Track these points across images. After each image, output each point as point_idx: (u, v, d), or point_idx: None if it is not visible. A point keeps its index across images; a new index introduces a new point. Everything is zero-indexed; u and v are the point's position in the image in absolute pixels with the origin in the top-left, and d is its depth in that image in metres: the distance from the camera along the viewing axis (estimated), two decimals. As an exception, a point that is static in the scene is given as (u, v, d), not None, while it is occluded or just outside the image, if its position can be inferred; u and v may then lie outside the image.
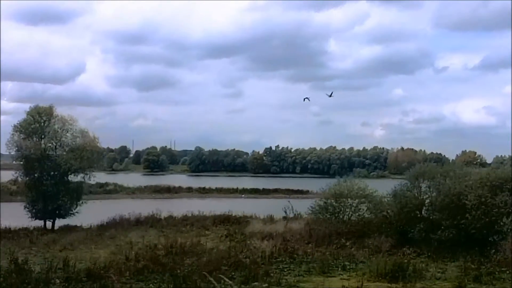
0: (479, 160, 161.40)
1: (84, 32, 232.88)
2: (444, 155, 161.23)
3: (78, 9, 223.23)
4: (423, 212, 26.46)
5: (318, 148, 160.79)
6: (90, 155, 36.20)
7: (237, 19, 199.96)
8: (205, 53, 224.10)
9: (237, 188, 78.38)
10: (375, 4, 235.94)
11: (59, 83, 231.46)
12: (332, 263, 20.92)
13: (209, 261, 19.52)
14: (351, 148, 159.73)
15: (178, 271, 17.14)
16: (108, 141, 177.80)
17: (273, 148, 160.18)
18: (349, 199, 28.96)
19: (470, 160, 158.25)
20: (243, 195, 71.87)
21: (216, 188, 77.61)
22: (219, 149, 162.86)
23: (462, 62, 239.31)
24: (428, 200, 26.53)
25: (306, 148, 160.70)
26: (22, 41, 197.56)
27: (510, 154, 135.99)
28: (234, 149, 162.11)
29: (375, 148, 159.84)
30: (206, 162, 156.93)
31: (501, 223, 22.72)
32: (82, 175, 36.81)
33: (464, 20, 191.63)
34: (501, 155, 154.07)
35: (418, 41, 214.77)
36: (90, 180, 38.16)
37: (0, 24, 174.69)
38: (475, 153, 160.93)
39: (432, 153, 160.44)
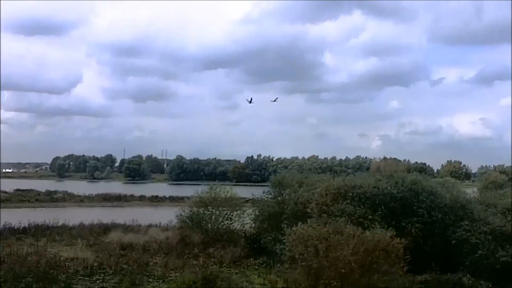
0: (464, 170, 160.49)
1: (79, 44, 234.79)
2: (429, 165, 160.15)
3: (73, 21, 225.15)
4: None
5: (300, 158, 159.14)
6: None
7: (232, 32, 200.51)
8: (200, 65, 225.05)
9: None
10: (370, 17, 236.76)
11: (56, 93, 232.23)
12: (150, 274, 20.67)
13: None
14: (333, 158, 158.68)
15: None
16: (104, 152, 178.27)
17: (255, 157, 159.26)
18: (220, 207, 28.12)
19: (454, 170, 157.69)
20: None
21: (169, 196, 76.72)
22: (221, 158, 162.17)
23: (457, 75, 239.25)
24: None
25: (288, 157, 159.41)
26: (19, 51, 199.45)
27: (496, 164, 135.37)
28: (215, 158, 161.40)
29: (357, 157, 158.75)
30: (187, 171, 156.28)
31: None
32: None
33: (458, 34, 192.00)
34: (485, 165, 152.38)
35: (413, 54, 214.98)
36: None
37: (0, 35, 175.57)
38: (460, 163, 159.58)
39: (416, 162, 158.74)
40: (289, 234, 16.56)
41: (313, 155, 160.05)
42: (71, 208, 65.88)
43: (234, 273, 21.71)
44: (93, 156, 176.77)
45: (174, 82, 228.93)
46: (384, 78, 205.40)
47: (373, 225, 21.40)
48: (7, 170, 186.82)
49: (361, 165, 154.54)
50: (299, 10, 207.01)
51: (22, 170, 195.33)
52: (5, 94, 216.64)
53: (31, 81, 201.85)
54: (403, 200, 22.69)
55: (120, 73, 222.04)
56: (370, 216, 21.69)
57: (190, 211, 27.83)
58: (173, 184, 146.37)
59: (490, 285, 19.13)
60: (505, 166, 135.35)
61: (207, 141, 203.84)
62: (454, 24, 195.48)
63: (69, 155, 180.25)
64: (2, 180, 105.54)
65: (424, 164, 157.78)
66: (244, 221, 27.11)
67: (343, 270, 15.31)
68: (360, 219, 21.48)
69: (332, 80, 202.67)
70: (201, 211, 27.62)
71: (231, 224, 27.82)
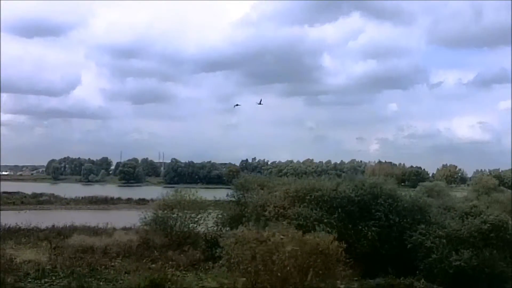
0: (460, 174, 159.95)
1: (78, 46, 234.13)
2: (424, 169, 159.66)
3: (72, 23, 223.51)
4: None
5: (295, 161, 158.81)
6: None
7: (230, 34, 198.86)
8: (199, 68, 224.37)
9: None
10: (369, 20, 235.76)
11: (54, 95, 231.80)
12: (101, 277, 20.50)
13: None
14: (328, 161, 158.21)
15: None
16: (103, 155, 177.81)
17: (250, 161, 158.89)
18: (184, 210, 27.82)
19: (450, 174, 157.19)
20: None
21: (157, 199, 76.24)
22: (217, 162, 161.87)
23: (456, 78, 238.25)
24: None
25: (284, 161, 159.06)
26: (17, 53, 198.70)
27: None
28: (210, 161, 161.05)
29: (352, 161, 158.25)
30: (181, 174, 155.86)
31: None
32: None
33: (457, 37, 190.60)
34: (481, 169, 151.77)
35: (412, 57, 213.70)
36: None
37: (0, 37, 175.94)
38: (456, 167, 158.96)
39: (411, 166, 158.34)
40: (227, 238, 16.26)
41: (308, 159, 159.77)
42: (56, 211, 65.56)
43: (188, 276, 21.43)
44: (89, 159, 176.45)
45: (173, 85, 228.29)
46: (383, 81, 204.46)
47: (328, 229, 21.26)
48: (3, 172, 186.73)
49: (355, 169, 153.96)
50: (298, 12, 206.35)
51: (19, 173, 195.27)
52: (4, 96, 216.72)
53: (30, 83, 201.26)
54: (361, 203, 22.45)
55: (118, 75, 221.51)
56: (325, 220, 21.48)
57: (154, 213, 27.48)
58: (168, 187, 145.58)
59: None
60: (500, 170, 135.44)
61: (205, 144, 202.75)
62: (453, 26, 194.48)
63: (65, 157, 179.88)
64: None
65: (420, 168, 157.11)
66: (209, 224, 26.80)
67: (279, 274, 14.99)
68: (315, 222, 21.28)
69: (331, 82, 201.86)
70: (165, 214, 27.23)
71: (196, 227, 27.50)
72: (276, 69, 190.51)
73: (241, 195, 26.00)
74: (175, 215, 27.64)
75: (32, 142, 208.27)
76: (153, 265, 23.11)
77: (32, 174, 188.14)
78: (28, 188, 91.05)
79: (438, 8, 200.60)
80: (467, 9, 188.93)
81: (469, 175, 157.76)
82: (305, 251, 15.48)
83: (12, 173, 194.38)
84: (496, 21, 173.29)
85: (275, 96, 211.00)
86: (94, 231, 31.58)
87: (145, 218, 27.78)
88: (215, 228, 25.71)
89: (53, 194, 74.06)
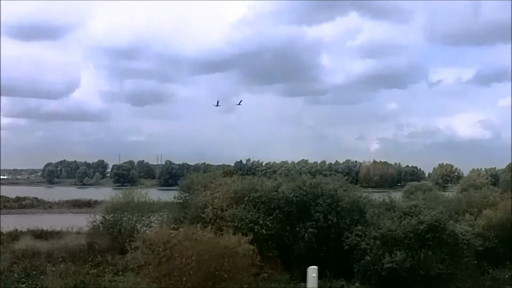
0: (456, 174, 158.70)
1: (76, 48, 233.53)
2: (420, 168, 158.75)
3: (70, 24, 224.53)
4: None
5: (289, 161, 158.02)
6: None
7: (228, 34, 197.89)
8: (197, 68, 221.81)
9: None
10: (367, 18, 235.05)
11: (54, 98, 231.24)
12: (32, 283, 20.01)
13: None
14: (323, 162, 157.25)
15: None
16: (101, 157, 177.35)
17: (244, 162, 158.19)
18: (135, 212, 27.23)
19: (446, 173, 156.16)
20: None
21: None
22: (212, 163, 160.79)
23: (456, 76, 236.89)
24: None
25: (278, 161, 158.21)
26: (15, 56, 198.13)
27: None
28: (204, 163, 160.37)
29: (347, 161, 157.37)
30: (175, 176, 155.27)
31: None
32: None
33: (455, 35, 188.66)
34: (477, 168, 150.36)
35: (411, 55, 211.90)
36: None
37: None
38: (452, 166, 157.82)
39: (407, 166, 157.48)
40: (134, 240, 15.67)
41: (303, 159, 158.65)
42: (37, 214, 65.17)
43: (124, 282, 20.71)
44: (85, 161, 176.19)
45: (171, 85, 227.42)
46: (382, 79, 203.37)
47: (263, 231, 20.68)
48: (1, 176, 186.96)
49: (350, 169, 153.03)
50: (295, 11, 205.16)
51: (19, 177, 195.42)
52: (3, 99, 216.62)
53: (29, 86, 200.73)
54: (301, 204, 21.78)
55: (117, 76, 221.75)
56: (261, 221, 20.87)
57: (103, 216, 26.91)
58: (162, 189, 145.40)
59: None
60: (496, 168, 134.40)
61: (204, 145, 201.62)
62: (451, 24, 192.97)
63: (61, 161, 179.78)
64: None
65: (415, 167, 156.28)
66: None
67: (184, 278, 14.39)
68: (251, 224, 20.68)
69: (330, 81, 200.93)
70: (112, 217, 26.65)
71: (145, 230, 26.85)
72: (275, 68, 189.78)
73: (187, 197, 25.40)
74: (125, 218, 27.05)
75: (31, 145, 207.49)
76: (94, 270, 22.57)
77: (28, 177, 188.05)
78: (21, 191, 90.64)
79: (436, 5, 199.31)
80: (466, 6, 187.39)
81: (466, 174, 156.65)
82: (213, 255, 14.86)
83: (10, 177, 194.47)
84: (495, 18, 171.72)
85: (274, 95, 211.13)
86: (47, 235, 31.08)
87: (94, 221, 27.21)
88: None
89: (36, 197, 73.55)
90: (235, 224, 20.59)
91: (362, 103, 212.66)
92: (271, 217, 21.02)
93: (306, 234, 20.82)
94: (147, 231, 26.09)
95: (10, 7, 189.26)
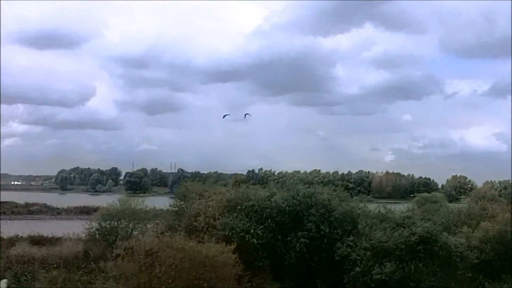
0: (470, 185, 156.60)
1: (92, 57, 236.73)
2: (433, 180, 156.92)
3: (86, 34, 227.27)
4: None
5: (301, 171, 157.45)
6: None
7: (243, 44, 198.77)
8: (210, 78, 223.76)
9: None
10: (382, 30, 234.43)
11: (68, 106, 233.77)
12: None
13: None
14: (335, 172, 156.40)
15: None
16: (115, 165, 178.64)
17: (256, 171, 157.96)
18: (131, 220, 27.19)
19: (459, 185, 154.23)
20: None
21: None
22: (224, 172, 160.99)
23: (471, 88, 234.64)
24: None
25: (290, 171, 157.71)
26: (30, 64, 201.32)
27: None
28: (216, 171, 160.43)
29: (360, 171, 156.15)
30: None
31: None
32: None
33: (470, 47, 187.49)
34: (491, 180, 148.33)
35: (425, 66, 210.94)
36: None
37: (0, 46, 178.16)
38: (466, 177, 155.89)
39: (420, 177, 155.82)
40: (115, 248, 15.59)
41: (315, 169, 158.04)
42: (45, 220, 65.61)
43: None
44: (98, 169, 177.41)
45: (185, 95, 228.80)
46: (397, 90, 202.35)
47: (254, 240, 20.50)
48: (15, 182, 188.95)
49: (363, 180, 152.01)
50: (311, 23, 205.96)
51: (33, 183, 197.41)
52: (20, 107, 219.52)
53: (44, 94, 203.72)
54: (293, 214, 21.58)
55: (131, 85, 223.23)
56: (252, 230, 20.69)
57: (99, 223, 26.91)
58: (173, 197, 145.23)
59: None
60: (510, 181, 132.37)
61: (216, 153, 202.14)
62: (466, 36, 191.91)
63: (75, 168, 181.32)
64: (2, 193, 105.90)
65: (428, 179, 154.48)
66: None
67: (163, 287, 14.26)
68: (242, 233, 20.53)
69: (344, 92, 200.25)
70: (109, 224, 26.64)
71: (141, 237, 26.78)
72: (289, 79, 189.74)
73: (183, 205, 25.32)
74: (123, 225, 27.02)
75: (46, 152, 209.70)
76: (85, 277, 22.57)
77: (42, 184, 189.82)
78: (32, 197, 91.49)
79: (451, 17, 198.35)
80: (480, 19, 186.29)
81: (480, 185, 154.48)
82: (194, 263, 14.74)
83: (24, 183, 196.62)
84: (509, 31, 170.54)
85: (287, 105, 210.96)
86: (46, 241, 31.15)
87: (90, 228, 27.23)
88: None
89: (45, 204, 74.10)
90: (226, 233, 20.47)
91: (377, 114, 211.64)
92: (262, 227, 20.81)
93: (298, 244, 20.59)
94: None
95: (27, 16, 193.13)
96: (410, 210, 22.48)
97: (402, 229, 19.68)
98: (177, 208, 25.55)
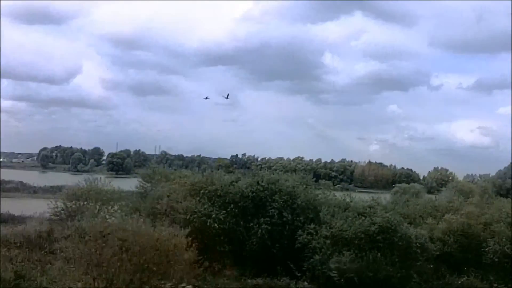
0: (451, 178, 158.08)
1: (79, 34, 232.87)
2: (415, 171, 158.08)
3: (74, 11, 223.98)
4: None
5: (285, 158, 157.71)
6: None
7: (232, 29, 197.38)
8: (200, 61, 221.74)
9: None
10: (371, 20, 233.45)
11: (55, 83, 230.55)
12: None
13: None
14: (319, 160, 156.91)
15: None
16: (99, 145, 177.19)
17: (240, 156, 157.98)
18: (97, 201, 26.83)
19: (440, 177, 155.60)
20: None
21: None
22: (213, 157, 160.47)
23: (457, 82, 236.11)
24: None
25: (273, 157, 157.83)
26: (17, 39, 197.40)
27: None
28: (200, 155, 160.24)
29: (342, 160, 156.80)
30: (170, 166, 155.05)
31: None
32: None
33: (458, 42, 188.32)
34: (471, 173, 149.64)
35: (413, 58, 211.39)
36: None
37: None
38: (447, 170, 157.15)
39: (402, 168, 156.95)
40: (67, 229, 15.31)
41: (298, 156, 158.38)
42: (20, 199, 65.02)
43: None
44: (81, 148, 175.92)
45: (174, 77, 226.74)
46: (384, 81, 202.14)
47: (215, 224, 20.35)
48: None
49: (345, 168, 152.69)
50: (300, 9, 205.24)
51: (15, 160, 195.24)
52: (4, 82, 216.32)
53: (30, 70, 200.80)
54: (257, 200, 21.44)
55: (120, 65, 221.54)
56: (214, 215, 20.51)
57: (64, 203, 26.50)
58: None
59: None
60: (491, 175, 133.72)
61: (203, 138, 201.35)
62: (454, 31, 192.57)
63: (57, 146, 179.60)
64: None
65: (410, 170, 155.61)
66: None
67: (113, 270, 14.04)
68: (203, 218, 20.36)
69: (332, 81, 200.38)
70: (75, 204, 26.24)
71: (109, 219, 26.46)
72: (278, 65, 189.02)
73: (148, 187, 25.06)
74: (89, 206, 26.65)
75: (30, 129, 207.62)
76: (46, 258, 22.23)
77: (23, 161, 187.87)
78: (10, 175, 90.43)
79: (441, 11, 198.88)
80: (469, 14, 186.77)
81: (460, 179, 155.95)
82: (145, 247, 14.51)
83: (6, 160, 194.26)
84: (497, 27, 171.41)
85: (276, 93, 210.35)
86: (13, 220, 30.79)
87: (56, 207, 26.82)
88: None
89: (21, 181, 73.24)
90: (187, 217, 20.28)
91: (364, 104, 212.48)
92: (225, 211, 20.64)
93: (260, 230, 20.48)
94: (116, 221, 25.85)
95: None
96: (374, 200, 22.39)
97: (364, 218, 19.65)
98: (142, 190, 25.28)
